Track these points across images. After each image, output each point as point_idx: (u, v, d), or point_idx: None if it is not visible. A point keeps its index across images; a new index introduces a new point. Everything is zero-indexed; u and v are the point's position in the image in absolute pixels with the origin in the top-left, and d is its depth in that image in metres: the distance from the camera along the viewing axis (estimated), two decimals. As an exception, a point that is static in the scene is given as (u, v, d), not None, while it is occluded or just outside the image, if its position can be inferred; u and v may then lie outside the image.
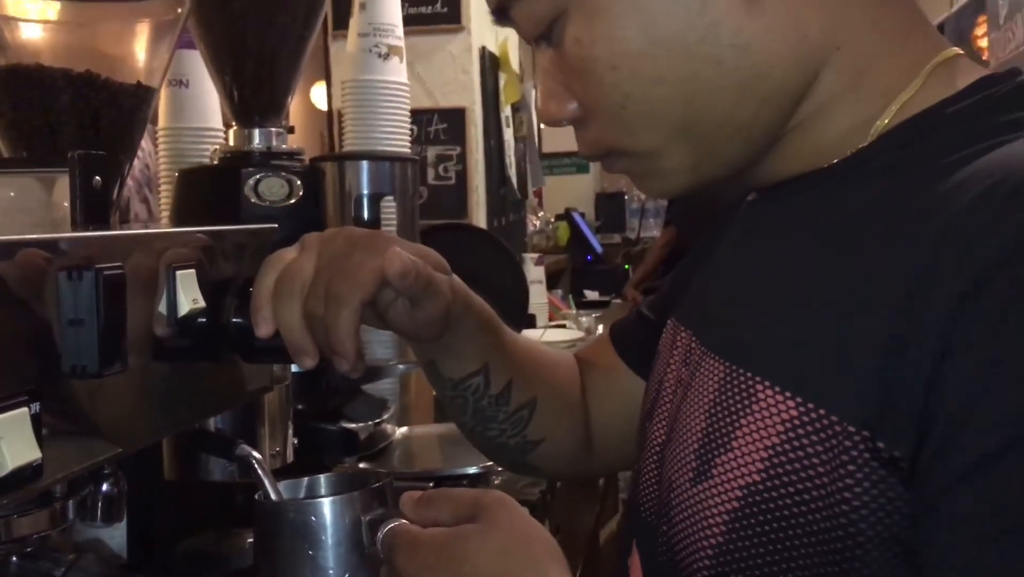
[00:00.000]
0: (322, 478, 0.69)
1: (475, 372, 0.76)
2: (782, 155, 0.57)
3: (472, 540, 0.57)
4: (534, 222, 4.11)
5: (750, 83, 0.54)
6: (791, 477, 0.49)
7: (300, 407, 1.15)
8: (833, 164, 0.55)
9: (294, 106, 1.21)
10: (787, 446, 0.49)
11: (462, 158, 2.61)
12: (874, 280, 0.48)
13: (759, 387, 0.52)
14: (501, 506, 0.59)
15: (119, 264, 0.48)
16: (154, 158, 1.71)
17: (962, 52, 0.56)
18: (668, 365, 0.65)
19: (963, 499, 0.42)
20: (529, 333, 2.56)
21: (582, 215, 5.35)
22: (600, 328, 2.93)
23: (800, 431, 0.49)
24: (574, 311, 3.38)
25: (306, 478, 0.69)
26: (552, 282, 3.83)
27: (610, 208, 5.80)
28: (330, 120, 2.82)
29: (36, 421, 0.43)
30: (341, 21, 2.03)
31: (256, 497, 0.66)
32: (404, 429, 1.48)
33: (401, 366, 1.37)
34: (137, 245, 0.54)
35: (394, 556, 0.58)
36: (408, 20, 2.36)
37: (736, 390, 0.53)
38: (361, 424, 1.24)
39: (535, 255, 3.08)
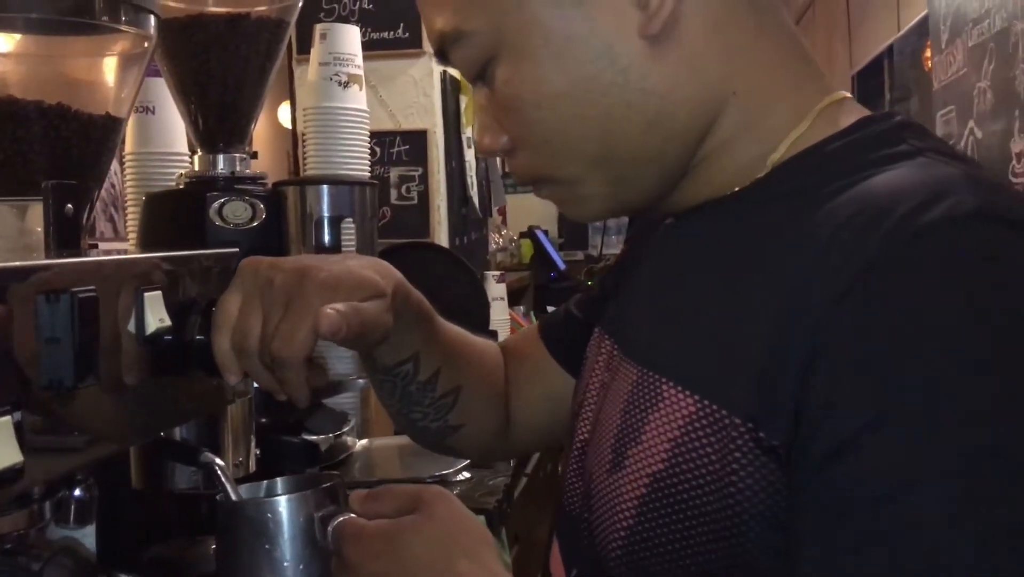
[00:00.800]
0: (279, 481, 0.74)
1: (406, 360, 0.81)
2: (693, 185, 0.64)
3: (412, 530, 0.64)
4: (497, 240, 4.17)
5: (657, 122, 0.61)
6: (689, 465, 0.55)
7: (264, 420, 1.19)
8: (734, 192, 0.62)
9: (261, 125, 1.26)
10: (686, 438, 0.56)
11: (424, 179, 2.67)
12: (760, 292, 0.55)
13: (664, 387, 0.59)
14: (439, 499, 0.66)
15: (92, 288, 0.54)
16: (120, 178, 1.75)
17: (848, 95, 0.64)
18: (594, 370, 0.72)
19: (824, 481, 0.49)
20: (490, 349, 2.62)
21: (545, 232, 5.41)
22: (561, 344, 2.98)
23: (697, 424, 0.56)
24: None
25: (264, 481, 0.74)
26: (516, 299, 3.88)
27: (573, 225, 5.89)
28: (295, 140, 2.87)
29: (18, 428, 0.49)
30: (304, 46, 2.09)
31: (217, 497, 0.71)
32: (364, 441, 1.52)
33: (361, 381, 1.42)
34: (109, 270, 0.59)
35: (342, 546, 0.65)
36: (371, 45, 2.43)
37: (646, 390, 0.60)
38: (322, 436, 1.28)
39: (497, 273, 3.14)
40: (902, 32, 4.27)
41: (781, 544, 0.52)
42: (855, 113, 0.62)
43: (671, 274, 0.67)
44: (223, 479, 0.71)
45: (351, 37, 1.45)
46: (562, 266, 5.11)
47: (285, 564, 0.67)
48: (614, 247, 5.74)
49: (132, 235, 1.38)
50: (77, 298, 0.52)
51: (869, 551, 0.47)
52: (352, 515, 0.67)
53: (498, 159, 3.62)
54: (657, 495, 0.57)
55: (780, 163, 0.61)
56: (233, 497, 0.71)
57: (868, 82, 5.19)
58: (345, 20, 2.60)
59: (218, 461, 0.72)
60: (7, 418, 0.48)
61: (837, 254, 0.51)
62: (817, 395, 0.50)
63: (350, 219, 1.23)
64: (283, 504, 0.67)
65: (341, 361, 1.49)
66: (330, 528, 0.66)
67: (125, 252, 1.38)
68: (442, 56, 0.66)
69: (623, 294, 0.74)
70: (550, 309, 4.59)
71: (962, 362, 0.47)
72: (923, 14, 3.63)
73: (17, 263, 0.50)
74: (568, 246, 5.71)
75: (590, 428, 0.69)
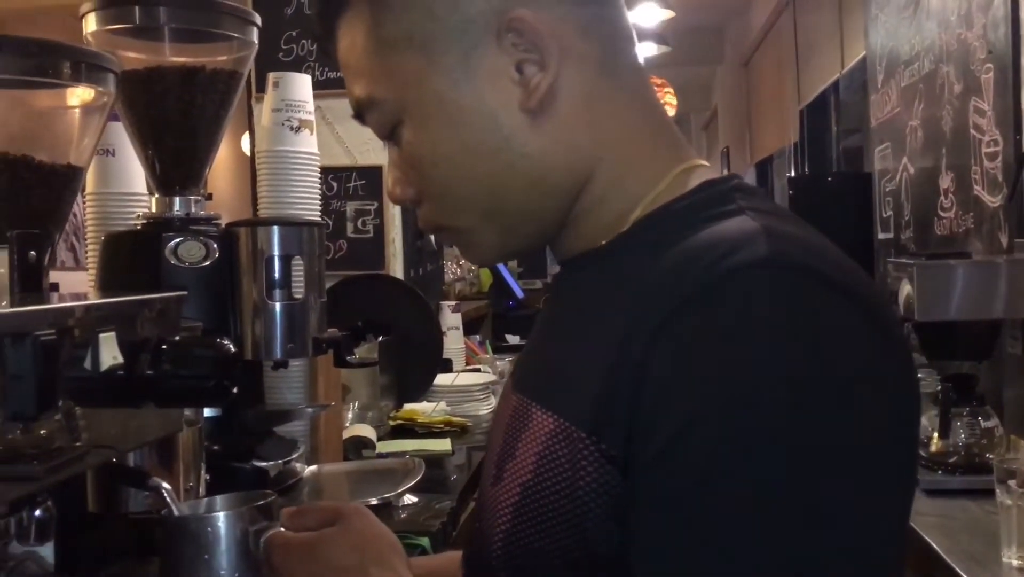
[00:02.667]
0: (219, 498, 0.83)
1: None
2: (572, 236, 0.75)
3: (331, 540, 0.75)
4: (455, 270, 4.26)
5: (536, 182, 0.71)
6: (549, 473, 0.65)
7: (215, 447, 1.26)
8: (601, 245, 0.72)
9: (224, 155, 1.33)
10: (547, 451, 0.66)
11: (379, 212, 2.75)
12: (605, 326, 0.65)
13: (534, 409, 0.69)
14: (356, 514, 0.77)
15: (53, 332, 0.62)
16: (81, 207, 1.81)
17: (703, 162, 0.75)
18: (499, 414, 0.82)
19: (651, 479, 0.59)
20: (443, 377, 2.69)
21: (504, 262, 5.50)
22: (515, 371, 3.06)
23: (555, 439, 0.65)
24: (490, 355, 3.52)
25: (205, 499, 0.83)
26: (474, 327, 3.96)
27: (531, 255, 5.96)
28: (252, 172, 2.94)
29: (-15, 454, 0.56)
30: (262, 85, 2.16)
31: (162, 513, 0.79)
32: (313, 467, 1.59)
33: (310, 409, 1.49)
34: (67, 316, 0.67)
35: (271, 555, 0.75)
36: (328, 84, 2.52)
37: (521, 413, 0.71)
38: (272, 463, 1.35)
39: (452, 303, 3.22)
40: (846, 69, 4.44)
41: (620, 535, 0.61)
42: (702, 176, 0.73)
43: (554, 316, 0.78)
44: (167, 500, 0.79)
45: (302, 85, 1.53)
46: (520, 295, 5.19)
47: (222, 573, 0.75)
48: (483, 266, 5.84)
49: (92, 266, 1.44)
50: (39, 341, 0.60)
51: (679, 537, 0.57)
52: (281, 528, 0.76)
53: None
54: (526, 501, 0.66)
55: (638, 220, 0.71)
56: (177, 514, 0.79)
57: (815, 116, 5.36)
58: (302, 61, 2.69)
59: (164, 485, 0.80)
60: (-24, 445, 0.55)
61: (662, 293, 0.62)
62: (643, 410, 0.60)
63: (299, 257, 1.31)
64: (221, 519, 0.76)
65: (291, 391, 1.57)
66: (262, 540, 0.75)
67: (84, 291, 1.45)
68: (359, 117, 0.76)
69: (526, 344, 0.84)
70: (508, 337, 4.66)
71: (756, 380, 0.57)
72: (862, 55, 3.78)
73: (-13, 311, 0.58)
74: (527, 275, 5.80)
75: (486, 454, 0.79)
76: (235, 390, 0.79)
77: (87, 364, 0.68)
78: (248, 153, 3.15)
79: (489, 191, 0.71)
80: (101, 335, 0.68)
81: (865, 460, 0.58)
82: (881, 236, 3.38)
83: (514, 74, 0.69)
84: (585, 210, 0.73)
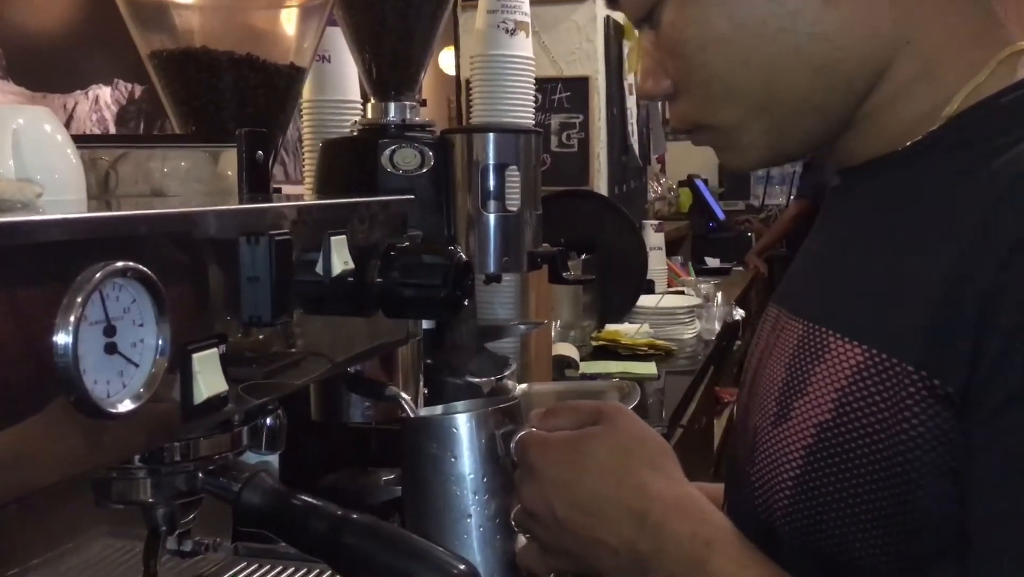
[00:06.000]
0: (458, 404, 0.79)
1: None
2: (859, 138, 0.63)
3: (596, 439, 0.67)
4: (656, 188, 4.12)
5: (824, 70, 0.59)
6: (858, 414, 0.55)
7: (428, 361, 1.24)
8: (905, 147, 0.60)
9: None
10: (854, 387, 0.55)
11: (584, 126, 2.66)
12: (930, 247, 0.54)
13: (831, 339, 0.58)
14: (620, 413, 0.68)
15: (287, 231, 0.57)
16: (297, 117, 1.83)
17: None
18: (758, 340, 0.71)
19: (1001, 427, 0.48)
20: (647, 298, 2.61)
21: (705, 182, 5.31)
22: (719, 295, 2.94)
23: (865, 373, 0.55)
24: (693, 278, 3.41)
25: (441, 406, 0.79)
26: (673, 249, 3.84)
27: (734, 175, 5.75)
28: (458, 86, 2.91)
29: (223, 360, 0.53)
30: (468, -7, 2.11)
31: (404, 416, 0.75)
32: (523, 385, 1.56)
33: (522, 326, 1.45)
34: (301, 214, 0.63)
35: (527, 455, 0.68)
36: (534, -9, 2.42)
37: (812, 344, 0.60)
38: (484, 379, 1.32)
39: (655, 222, 3.12)
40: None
41: (952, 491, 0.51)
42: None
43: (839, 235, 0.66)
44: (407, 408, 0.76)
45: (519, -16, 1.45)
46: (721, 216, 5.01)
47: (470, 475, 0.71)
48: (776, 197, 5.58)
49: (308, 178, 1.44)
50: (274, 241, 0.55)
51: None
52: (533, 429, 0.70)
53: (660, 105, 3.57)
54: (824, 444, 0.57)
55: (952, 117, 0.59)
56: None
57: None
58: (511, -34, 2.60)
59: (402, 394, 0.76)
60: (214, 350, 0.52)
61: (1012, 209, 0.50)
62: (995, 342, 0.49)
63: (515, 167, 1.25)
64: (468, 419, 0.71)
65: (503, 306, 1.53)
66: (513, 442, 0.69)
67: (302, 196, 1.45)
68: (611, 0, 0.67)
69: (792, 266, 0.73)
70: (708, 260, 4.53)
71: None
72: None
73: (223, 207, 0.54)
74: (728, 196, 5.59)
75: (748, 389, 0.69)
76: (466, 302, 0.73)
77: (318, 268, 0.63)
78: (448, 72, 3.12)
79: (765, 80, 0.60)
80: (333, 238, 0.63)
81: None
82: None
83: None
84: (880, 106, 0.61)
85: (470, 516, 0.72)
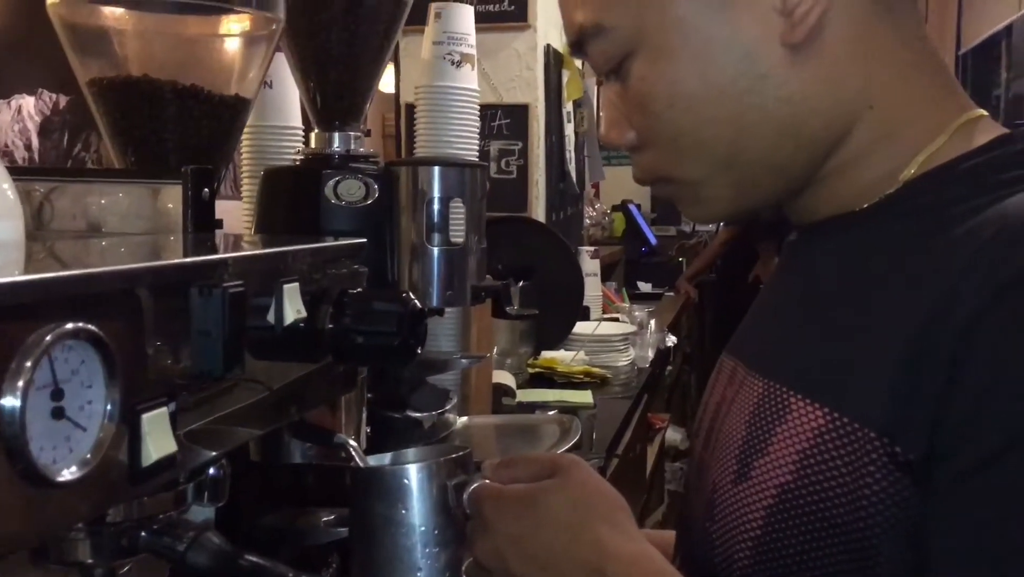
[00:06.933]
0: (409, 452, 0.77)
1: None
2: (819, 196, 0.64)
3: (551, 493, 0.65)
4: (590, 213, 4.15)
5: (789, 130, 0.60)
6: (818, 477, 0.55)
7: (369, 396, 1.22)
8: (863, 208, 0.61)
9: None
10: (815, 450, 0.56)
11: (524, 153, 2.67)
12: (894, 306, 0.54)
13: (792, 399, 0.59)
14: (575, 466, 0.67)
15: (240, 283, 0.55)
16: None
17: (986, 114, 0.62)
18: (713, 391, 0.72)
19: (965, 496, 0.49)
20: (582, 325, 2.61)
21: (638, 207, 5.36)
22: (653, 322, 2.97)
23: (827, 436, 0.55)
24: (627, 304, 3.43)
25: (390, 453, 0.77)
26: (607, 273, 3.87)
27: (666, 200, 5.79)
28: (397, 107, 2.90)
29: (172, 419, 0.51)
30: (412, 17, 2.09)
31: (352, 466, 0.73)
32: (464, 419, 1.54)
33: (465, 360, 1.44)
34: (254, 264, 0.61)
35: (482, 508, 0.66)
36: (476, 17, 2.42)
37: (772, 403, 0.60)
38: (426, 413, 1.30)
39: (591, 248, 3.13)
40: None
41: (911, 558, 0.52)
42: (992, 131, 0.61)
43: (797, 289, 0.67)
44: (355, 456, 0.74)
45: (465, 17, 1.45)
46: (654, 241, 5.07)
47: (421, 527, 0.69)
48: (707, 224, 5.65)
49: (246, 203, 1.42)
50: (227, 292, 0.54)
51: (1002, 566, 0.47)
52: (487, 481, 0.68)
53: (597, 132, 3.60)
54: (785, 505, 0.57)
55: (910, 180, 0.60)
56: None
57: (979, 61, 5.00)
58: (454, -7, 2.60)
59: (351, 441, 0.75)
60: (163, 409, 0.50)
61: (972, 275, 0.51)
62: (956, 415, 0.49)
63: (459, 200, 1.24)
64: (417, 470, 0.69)
65: (446, 339, 1.51)
66: (466, 494, 0.68)
67: (240, 222, 1.42)
68: (578, 48, 0.66)
69: (747, 317, 0.73)
70: (640, 285, 4.56)
71: None
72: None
73: (174, 260, 0.52)
74: (660, 221, 5.65)
75: (703, 442, 0.69)
76: (420, 350, 0.72)
77: (270, 317, 0.61)
78: (384, 90, 3.10)
79: (731, 138, 0.61)
80: (286, 286, 0.61)
81: None
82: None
83: (776, 1, 0.58)
84: (840, 167, 0.62)
85: (420, 569, 0.70)
